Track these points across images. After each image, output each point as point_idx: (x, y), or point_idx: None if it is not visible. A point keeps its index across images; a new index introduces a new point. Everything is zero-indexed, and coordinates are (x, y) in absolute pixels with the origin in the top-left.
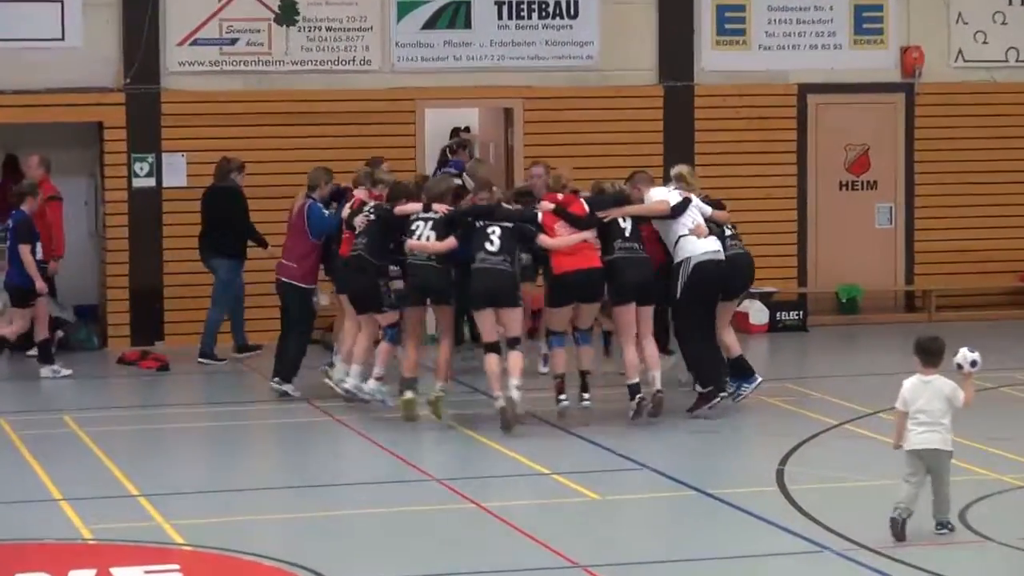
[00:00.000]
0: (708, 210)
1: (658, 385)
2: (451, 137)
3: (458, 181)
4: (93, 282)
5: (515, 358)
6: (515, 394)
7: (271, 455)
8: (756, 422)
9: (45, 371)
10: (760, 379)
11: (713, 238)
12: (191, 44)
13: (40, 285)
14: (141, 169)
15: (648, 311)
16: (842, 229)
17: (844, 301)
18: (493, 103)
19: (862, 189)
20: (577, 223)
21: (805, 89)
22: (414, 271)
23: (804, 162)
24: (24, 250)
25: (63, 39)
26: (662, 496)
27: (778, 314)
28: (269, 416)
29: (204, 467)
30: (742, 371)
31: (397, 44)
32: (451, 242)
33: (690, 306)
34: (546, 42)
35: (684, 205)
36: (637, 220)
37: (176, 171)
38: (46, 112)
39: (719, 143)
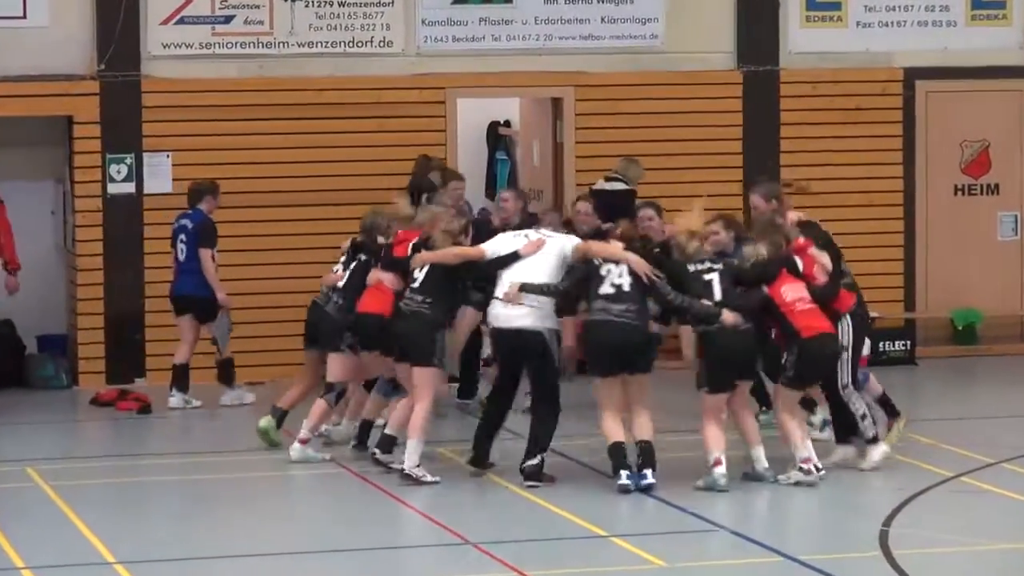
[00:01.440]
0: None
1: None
2: (488, 132)
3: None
4: (61, 307)
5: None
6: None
7: (272, 514)
8: (855, 475)
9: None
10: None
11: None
12: (177, 23)
13: None
14: (118, 172)
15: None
16: (958, 242)
17: (960, 329)
18: (538, 92)
19: (981, 194)
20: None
21: (912, 74)
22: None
23: (912, 162)
24: None
25: (24, 17)
26: (742, 564)
27: (881, 344)
28: (269, 468)
29: (192, 528)
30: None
31: (424, 22)
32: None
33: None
34: (602, 19)
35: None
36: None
37: (159, 174)
38: (4, 104)
39: (809, 139)
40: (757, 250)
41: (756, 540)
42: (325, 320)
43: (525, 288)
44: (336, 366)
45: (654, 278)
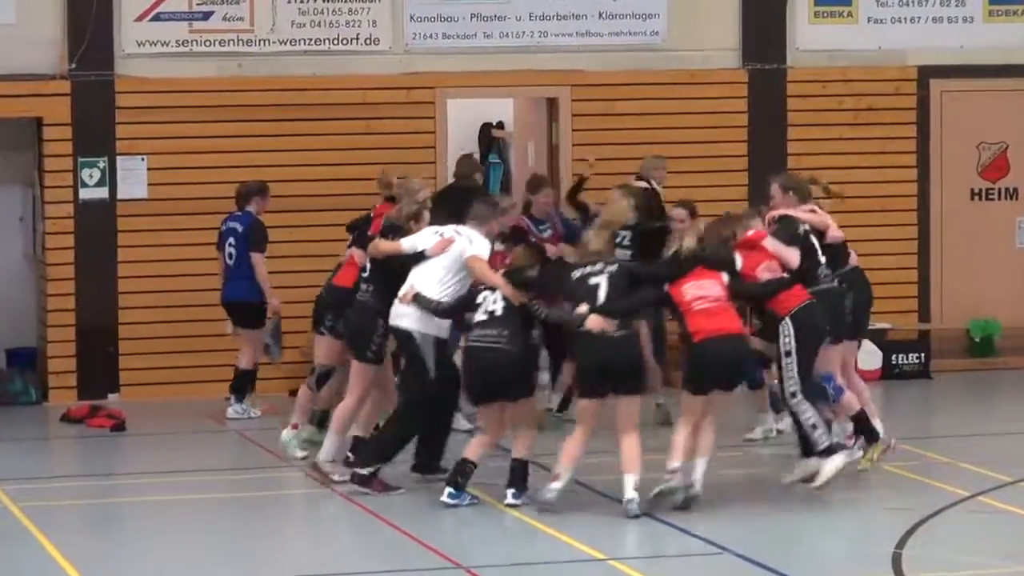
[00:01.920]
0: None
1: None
2: (481, 134)
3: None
4: (30, 319)
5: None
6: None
7: (249, 536)
8: (867, 493)
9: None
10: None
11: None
12: (152, 19)
13: None
14: (90, 176)
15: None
16: (974, 249)
17: (977, 341)
18: (533, 92)
19: (1000, 199)
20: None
21: (927, 73)
22: None
23: (926, 165)
24: None
25: None
26: None
27: (895, 357)
28: (251, 487)
29: (170, 553)
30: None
31: (412, 18)
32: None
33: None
34: (600, 14)
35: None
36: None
37: (134, 179)
38: None
39: (817, 141)
40: (685, 242)
41: (763, 564)
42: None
43: (417, 297)
44: (320, 348)
45: (525, 303)
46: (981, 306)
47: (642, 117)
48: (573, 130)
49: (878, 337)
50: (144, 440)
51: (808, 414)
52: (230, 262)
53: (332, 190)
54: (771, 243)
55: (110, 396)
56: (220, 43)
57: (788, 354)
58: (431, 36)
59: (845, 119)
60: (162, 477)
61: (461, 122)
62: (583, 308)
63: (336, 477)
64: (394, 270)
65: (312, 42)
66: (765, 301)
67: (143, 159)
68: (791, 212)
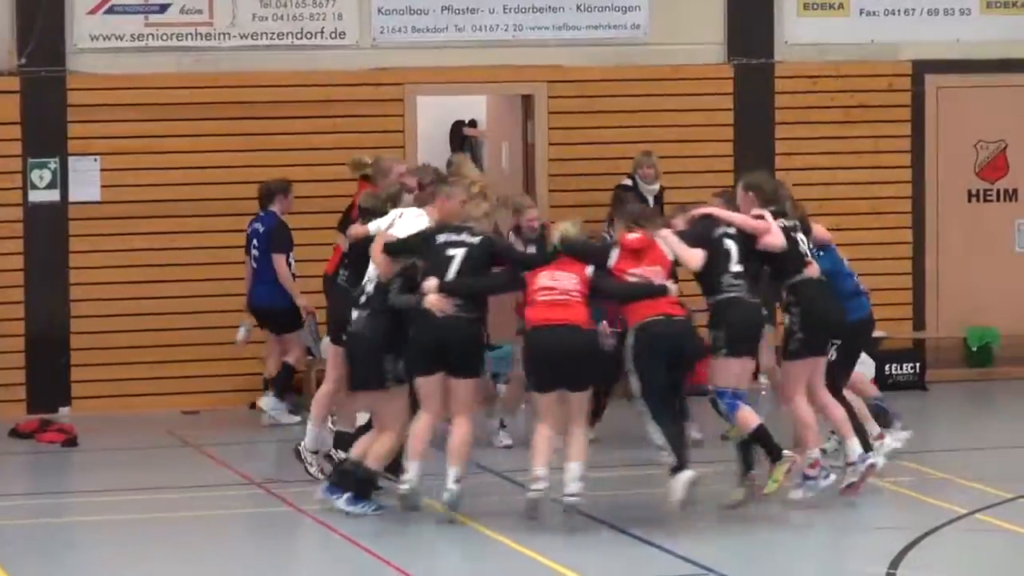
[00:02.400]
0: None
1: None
2: (452, 133)
3: None
4: None
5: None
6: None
7: (214, 559)
8: (859, 511)
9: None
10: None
11: None
12: (106, 12)
13: None
14: (40, 178)
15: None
16: (972, 253)
17: (975, 350)
18: (507, 89)
19: (998, 200)
20: None
21: (922, 68)
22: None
23: (921, 165)
24: None
25: None
26: None
27: (888, 367)
28: (212, 506)
29: (118, 573)
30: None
31: (380, 11)
32: None
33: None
34: (578, 7)
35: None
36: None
37: (87, 180)
38: None
39: (807, 140)
40: (565, 230)
41: None
42: None
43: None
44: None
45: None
46: (979, 313)
47: (623, 115)
48: (550, 129)
49: (871, 346)
50: (97, 456)
51: (655, 435)
52: (255, 265)
53: (297, 192)
54: (673, 243)
55: (61, 409)
56: (177, 37)
57: (629, 370)
58: (400, 30)
59: (836, 117)
60: (116, 495)
61: (431, 120)
62: (431, 282)
63: (312, 470)
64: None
65: (274, 36)
66: (611, 299)
67: (96, 160)
68: (716, 212)
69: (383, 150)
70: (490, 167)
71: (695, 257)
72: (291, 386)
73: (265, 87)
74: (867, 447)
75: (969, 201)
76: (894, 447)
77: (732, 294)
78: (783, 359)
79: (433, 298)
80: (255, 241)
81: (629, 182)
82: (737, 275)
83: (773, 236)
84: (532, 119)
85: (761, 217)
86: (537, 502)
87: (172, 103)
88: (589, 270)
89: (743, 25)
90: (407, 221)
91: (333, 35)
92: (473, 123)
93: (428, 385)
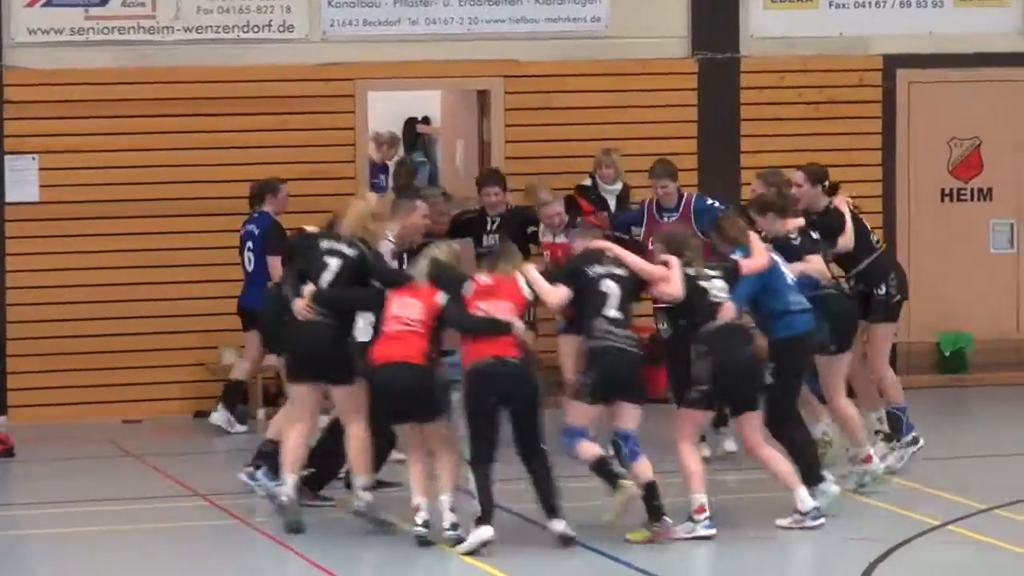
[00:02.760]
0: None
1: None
2: (405, 130)
3: None
4: None
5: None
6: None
7: (156, 573)
8: (830, 522)
9: None
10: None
11: None
12: (44, 5)
13: None
14: None
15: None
16: (945, 255)
17: (948, 355)
18: (462, 84)
19: (972, 199)
20: None
21: (893, 62)
22: None
23: (892, 163)
24: None
25: None
26: None
27: None
28: (153, 519)
29: None
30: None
31: (330, 3)
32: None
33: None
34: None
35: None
36: None
37: (23, 180)
38: None
39: (773, 137)
40: (435, 254)
41: None
42: None
43: None
44: None
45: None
46: (952, 317)
47: (582, 111)
48: (506, 125)
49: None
50: (36, 467)
51: (469, 480)
52: (249, 267)
53: (242, 192)
54: (533, 278)
55: None
56: (119, 31)
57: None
58: (350, 23)
59: (804, 113)
60: (55, 508)
61: (383, 117)
62: (309, 288)
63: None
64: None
65: (220, 30)
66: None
67: (34, 158)
68: (611, 248)
69: (333, 148)
70: (444, 165)
71: (553, 294)
72: (238, 398)
73: (210, 83)
74: (816, 479)
75: (942, 201)
76: (887, 466)
77: (605, 342)
78: (679, 403)
79: (299, 303)
80: (249, 243)
81: (589, 182)
82: (613, 321)
83: (670, 285)
84: (488, 116)
85: (667, 264)
86: (423, 538)
87: (113, 99)
88: (439, 298)
89: (707, 18)
90: None
91: (281, 28)
92: (427, 120)
93: (298, 392)
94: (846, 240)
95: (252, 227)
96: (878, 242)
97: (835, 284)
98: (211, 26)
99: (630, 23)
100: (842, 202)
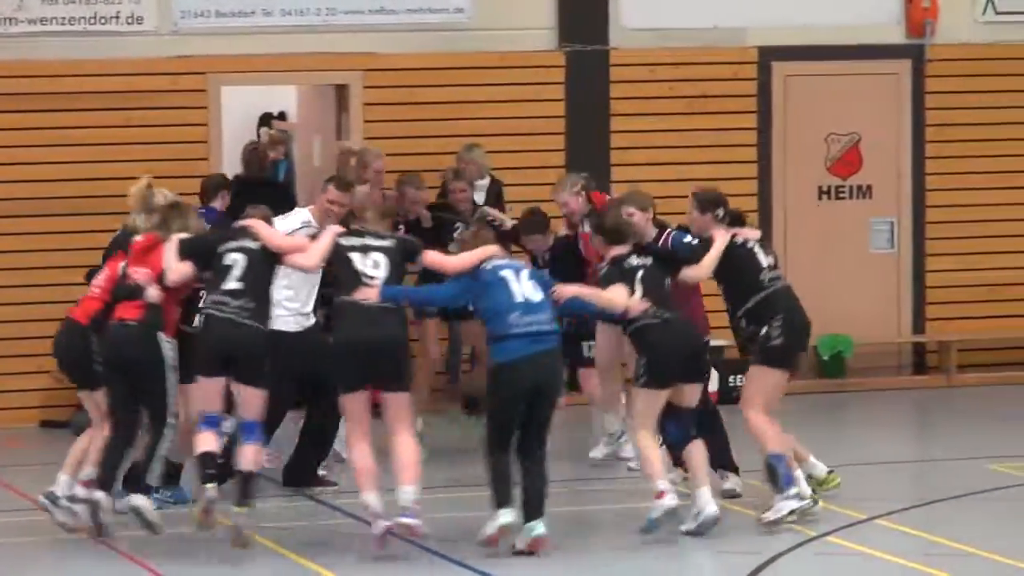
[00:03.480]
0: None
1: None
2: (260, 126)
3: None
4: None
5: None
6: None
7: None
8: (705, 535)
9: None
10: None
11: None
12: None
13: None
14: None
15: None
16: (823, 255)
17: (826, 359)
18: (319, 78)
19: (851, 197)
20: None
21: (768, 54)
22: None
23: (768, 159)
24: None
25: None
26: None
27: (732, 379)
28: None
29: None
30: None
31: None
32: None
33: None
34: None
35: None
36: None
37: None
38: None
39: (645, 133)
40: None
41: None
42: None
43: None
44: None
45: None
46: (831, 320)
47: (446, 106)
48: (366, 121)
49: (714, 356)
50: None
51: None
52: None
53: (89, 191)
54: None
55: None
56: None
57: None
58: (202, 14)
59: (676, 107)
60: None
61: (237, 112)
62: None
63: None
64: None
65: (66, 22)
66: None
67: None
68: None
69: (185, 145)
70: (301, 162)
71: (173, 271)
72: None
73: (55, 77)
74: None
75: (820, 199)
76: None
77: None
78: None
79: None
80: None
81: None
82: (231, 292)
83: (304, 258)
84: (346, 111)
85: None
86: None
87: None
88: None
89: (576, 8)
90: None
91: (130, 20)
92: (283, 116)
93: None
94: (696, 272)
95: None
96: (772, 280)
97: (655, 314)
98: (56, 18)
99: (495, 14)
100: (720, 234)
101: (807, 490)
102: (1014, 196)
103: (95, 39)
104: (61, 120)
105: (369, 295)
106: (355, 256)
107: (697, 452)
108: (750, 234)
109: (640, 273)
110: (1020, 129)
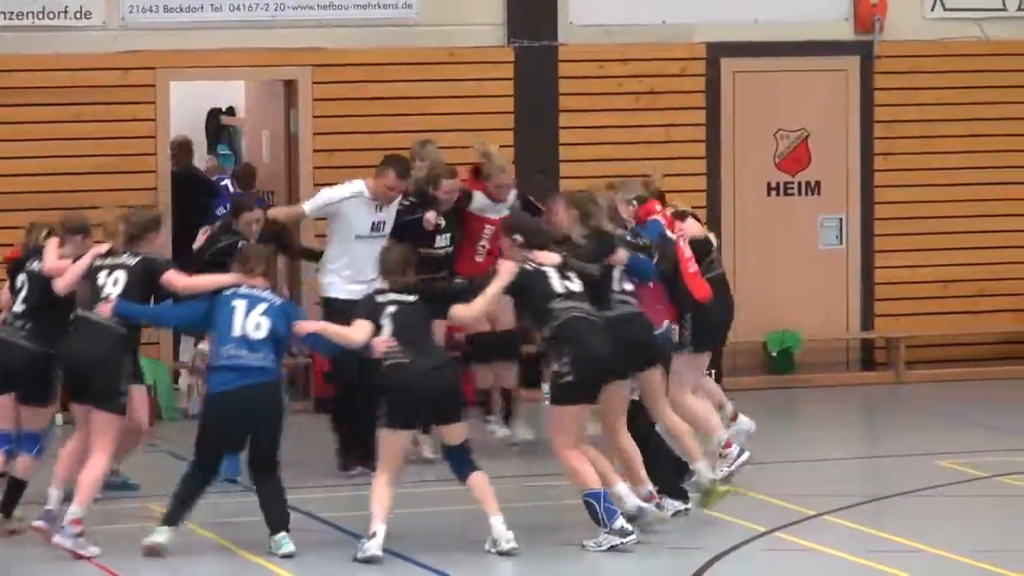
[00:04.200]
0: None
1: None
2: (208, 122)
3: None
4: None
5: None
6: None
7: None
8: (653, 531)
9: None
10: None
11: None
12: None
13: None
14: None
15: None
16: (771, 252)
17: (775, 355)
18: (267, 73)
19: (800, 194)
20: None
21: (717, 51)
22: None
23: (716, 156)
24: None
25: None
26: None
27: None
28: None
29: None
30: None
31: None
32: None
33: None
34: None
35: None
36: None
37: None
38: None
39: (593, 129)
40: None
41: None
42: None
43: None
44: None
45: None
46: (779, 316)
47: (394, 102)
48: (314, 117)
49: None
50: None
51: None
52: None
53: (34, 187)
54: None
55: None
56: None
57: None
58: (150, 9)
59: (625, 104)
60: None
61: (185, 108)
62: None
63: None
64: None
65: (12, 16)
66: None
67: None
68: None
69: (133, 141)
70: (250, 158)
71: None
72: None
73: (4, 72)
74: None
75: (769, 195)
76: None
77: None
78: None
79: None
80: None
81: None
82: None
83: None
84: (295, 107)
85: None
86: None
87: None
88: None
89: (524, 4)
90: None
91: (78, 15)
92: (231, 111)
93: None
94: (464, 313)
95: None
96: (566, 310)
97: (403, 354)
98: (4, 12)
99: (443, 10)
100: (506, 267)
101: (634, 505)
102: (962, 193)
103: (41, 34)
104: (5, 116)
105: (103, 311)
106: (101, 275)
107: (481, 482)
108: (545, 259)
109: (391, 309)
110: (968, 125)
